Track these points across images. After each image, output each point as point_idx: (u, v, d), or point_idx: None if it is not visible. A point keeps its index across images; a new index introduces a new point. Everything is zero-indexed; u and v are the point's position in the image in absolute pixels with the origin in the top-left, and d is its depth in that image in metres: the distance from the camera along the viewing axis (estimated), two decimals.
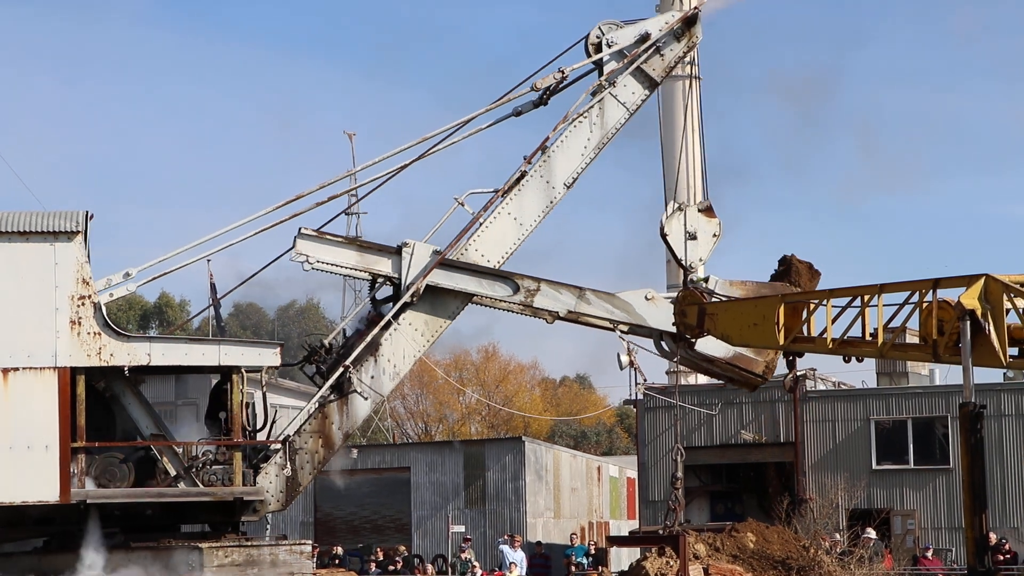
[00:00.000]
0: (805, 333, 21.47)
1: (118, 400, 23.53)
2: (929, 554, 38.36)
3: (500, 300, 24.23)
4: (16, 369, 22.50)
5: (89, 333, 22.93)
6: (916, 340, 20.26)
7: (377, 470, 45.65)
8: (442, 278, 24.09)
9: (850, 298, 21.14)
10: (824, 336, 21.10)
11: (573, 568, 39.01)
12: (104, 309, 23.13)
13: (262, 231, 24.46)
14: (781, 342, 21.55)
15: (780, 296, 22.05)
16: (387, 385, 24.41)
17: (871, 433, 42.73)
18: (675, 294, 24.16)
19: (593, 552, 41.82)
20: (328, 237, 24.13)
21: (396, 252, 24.13)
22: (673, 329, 23.93)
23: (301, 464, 24.11)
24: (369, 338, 24.16)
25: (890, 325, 20.66)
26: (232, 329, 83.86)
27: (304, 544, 25.13)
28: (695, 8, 25.06)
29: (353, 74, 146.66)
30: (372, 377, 24.19)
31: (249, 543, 23.95)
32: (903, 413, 42.68)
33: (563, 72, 24.56)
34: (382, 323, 24.20)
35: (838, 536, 34.04)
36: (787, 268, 24.67)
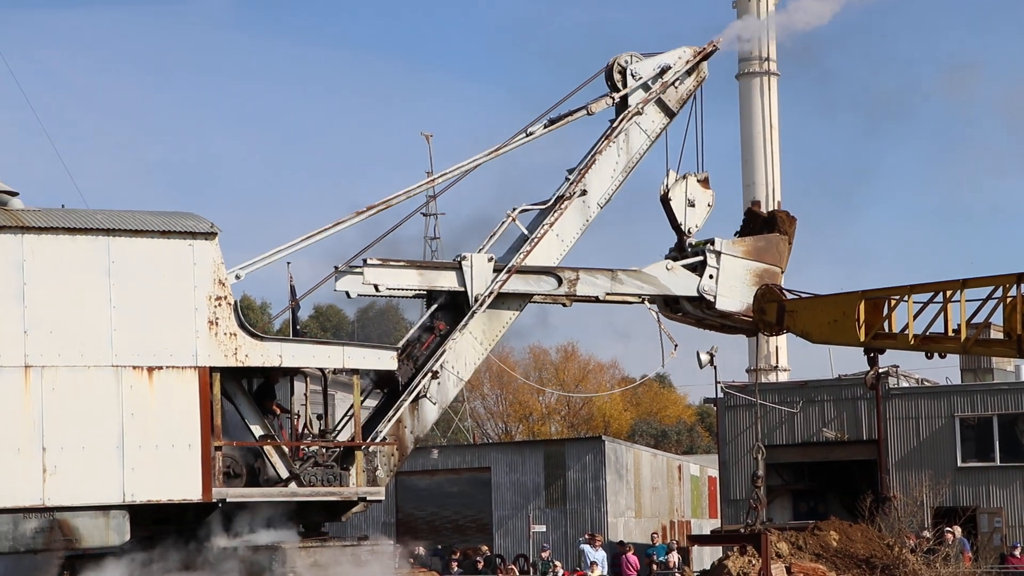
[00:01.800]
0: (886, 329, 21.28)
1: (231, 400, 23.73)
2: (1017, 552, 37.86)
3: (549, 295, 25.76)
4: (160, 368, 22.62)
5: (226, 334, 23.06)
6: (1000, 336, 20.01)
7: (458, 470, 45.76)
8: (508, 284, 25.41)
9: (932, 293, 20.95)
10: (906, 332, 20.90)
11: (655, 567, 38.88)
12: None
13: (340, 228, 25.02)
14: (862, 339, 21.39)
15: (861, 293, 21.87)
16: (451, 392, 25.56)
17: (956, 430, 42.26)
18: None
19: (675, 551, 41.66)
20: (391, 263, 24.95)
21: (456, 267, 25.35)
22: (694, 293, 26.04)
23: (379, 466, 24.61)
24: (448, 346, 25.09)
25: (973, 321, 20.43)
26: (312, 331, 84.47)
27: (386, 544, 25.25)
28: (713, 45, 27.02)
29: (431, 74, 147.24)
30: (439, 384, 25.09)
31: (332, 543, 24.07)
32: (988, 410, 42.17)
33: (614, 99, 26.46)
34: (460, 327, 25.13)
35: (927, 534, 33.68)
36: (772, 220, 26.57)
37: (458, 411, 79.82)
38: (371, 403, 26.13)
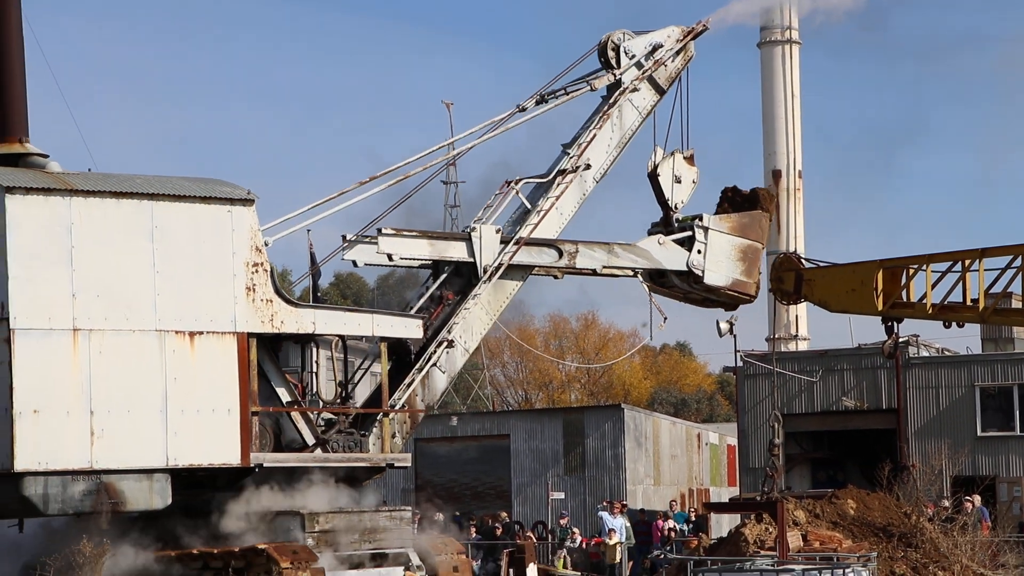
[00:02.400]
0: (904, 299, 21.26)
1: (259, 367, 23.84)
2: None
3: (551, 267, 26.31)
4: (201, 333, 22.70)
5: (263, 300, 23.18)
6: (1019, 305, 19.98)
7: (477, 437, 45.90)
8: (508, 256, 25.83)
9: (950, 263, 20.92)
10: (924, 301, 20.89)
11: (672, 535, 38.96)
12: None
13: (364, 197, 25.33)
14: (880, 308, 21.40)
15: (879, 262, 21.86)
16: (459, 361, 26.00)
17: (976, 399, 42.20)
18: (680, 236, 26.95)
19: (693, 519, 41.75)
20: (404, 233, 25.26)
21: (465, 238, 25.73)
22: (683, 267, 26.80)
23: (395, 432, 24.80)
24: (460, 315, 25.53)
25: (992, 290, 20.40)
26: (333, 298, 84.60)
27: (404, 510, 25.38)
28: (703, 25, 27.82)
29: (451, 42, 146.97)
30: (447, 353, 25.50)
31: (350, 510, 24.20)
32: (1009, 379, 42.10)
33: (616, 76, 27.08)
34: (471, 296, 25.57)
35: (945, 503, 33.67)
36: (754, 198, 27.25)
37: (478, 379, 79.98)
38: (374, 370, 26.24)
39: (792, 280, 22.46)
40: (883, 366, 42.54)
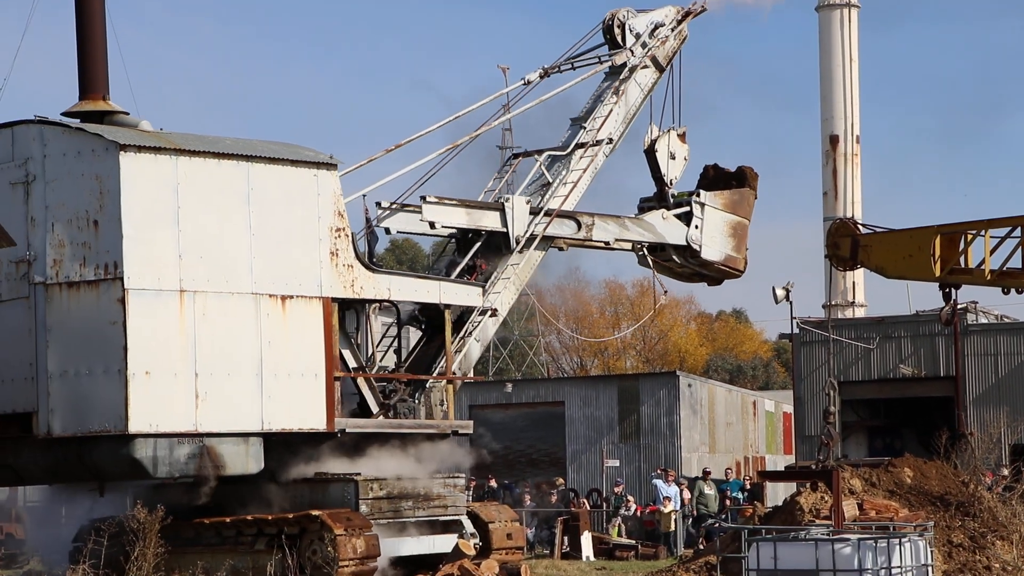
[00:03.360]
0: (962, 264, 20.99)
1: None
2: None
3: (571, 238, 26.78)
4: (291, 297, 22.75)
5: (344, 265, 23.28)
6: None
7: (531, 404, 45.83)
8: (541, 226, 26.20)
9: (1010, 228, 20.61)
10: (982, 267, 20.60)
11: (728, 503, 38.81)
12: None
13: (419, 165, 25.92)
14: (937, 274, 21.13)
15: (936, 227, 21.58)
16: (491, 329, 26.34)
17: None
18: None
19: (749, 487, 41.56)
20: (445, 201, 25.54)
21: (499, 208, 26.01)
22: (683, 242, 27.63)
23: (436, 402, 24.96)
24: (500, 285, 25.84)
25: None
26: (389, 263, 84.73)
27: (458, 477, 25.39)
28: (702, 6, 28.54)
29: (506, 7, 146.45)
30: (482, 322, 25.77)
31: (405, 476, 24.22)
32: None
33: (632, 52, 27.84)
34: (505, 265, 25.91)
35: (1004, 472, 33.31)
36: (742, 177, 28.00)
37: (533, 345, 79.95)
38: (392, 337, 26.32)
39: (848, 246, 22.21)
40: (941, 333, 42.11)
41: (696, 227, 27.80)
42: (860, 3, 69.10)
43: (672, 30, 28.46)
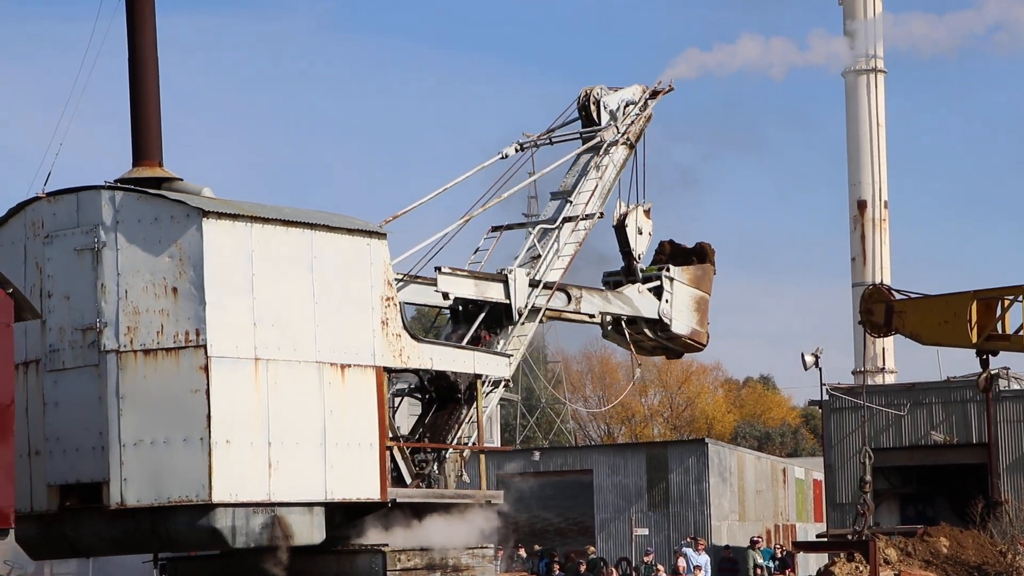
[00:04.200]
0: (1000, 331, 20.70)
1: None
2: None
3: (563, 311, 27.05)
4: (349, 366, 22.53)
5: (394, 334, 23.14)
6: None
7: (560, 472, 45.51)
8: (541, 299, 26.42)
9: None
10: (1020, 334, 20.31)
11: (757, 571, 38.34)
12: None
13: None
14: (974, 340, 20.87)
15: (973, 292, 21.32)
16: (495, 399, 26.32)
17: None
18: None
19: (780, 555, 41.07)
20: (458, 272, 25.59)
21: (503, 280, 26.03)
22: (656, 316, 27.88)
23: (451, 472, 25.03)
24: (516, 354, 25.90)
25: None
26: (416, 331, 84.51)
27: (486, 547, 25.09)
28: (669, 86, 29.23)
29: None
30: (488, 393, 25.77)
31: (431, 547, 23.94)
32: None
33: (619, 128, 28.35)
34: (517, 334, 26.02)
35: None
36: (701, 253, 28.61)
37: (560, 413, 79.61)
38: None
39: (882, 312, 21.96)
40: (973, 399, 41.68)
41: (667, 301, 28.19)
42: (887, 69, 69.11)
43: (641, 109, 28.99)
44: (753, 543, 39.39)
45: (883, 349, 65.43)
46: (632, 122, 28.78)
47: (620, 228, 27.91)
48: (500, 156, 27.66)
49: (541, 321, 27.08)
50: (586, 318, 27.57)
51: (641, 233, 28.30)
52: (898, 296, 23.04)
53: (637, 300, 28.06)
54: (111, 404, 21.01)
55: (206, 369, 20.88)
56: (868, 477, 23.52)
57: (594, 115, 28.62)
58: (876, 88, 68.61)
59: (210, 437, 20.72)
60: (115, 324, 21.14)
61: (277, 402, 21.52)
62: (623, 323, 28.04)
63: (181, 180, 22.49)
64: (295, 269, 22.00)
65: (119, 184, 22.11)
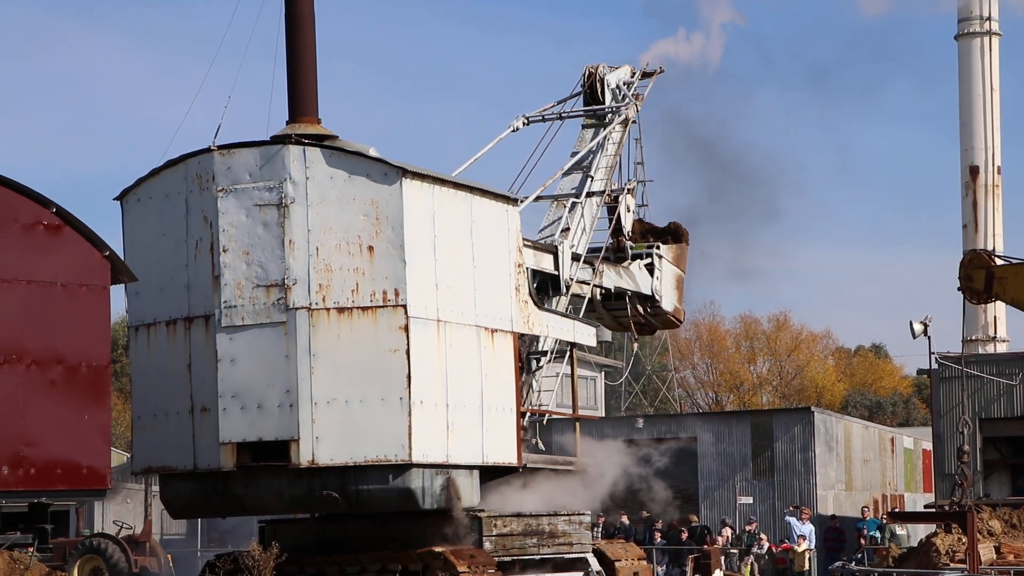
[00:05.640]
0: None
1: None
2: None
3: (588, 282, 26.92)
4: (496, 331, 22.65)
5: (524, 301, 23.28)
6: None
7: (663, 440, 45.34)
8: (585, 273, 26.54)
9: None
10: None
11: (863, 542, 37.95)
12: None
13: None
14: None
15: None
16: (558, 365, 26.50)
17: None
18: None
19: (887, 526, 40.60)
20: (525, 242, 25.31)
21: (553, 251, 25.88)
22: (649, 292, 28.02)
23: (529, 438, 25.15)
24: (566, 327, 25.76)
25: None
26: None
27: (583, 514, 25.07)
28: (659, 68, 29.52)
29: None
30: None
31: (528, 513, 23.99)
32: None
33: (638, 107, 28.59)
34: (566, 305, 25.99)
35: None
36: (677, 232, 28.90)
37: (666, 380, 79.33)
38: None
39: (982, 278, 21.59)
40: None
41: (657, 279, 28.34)
42: (1001, 31, 67.74)
43: (631, 88, 29.11)
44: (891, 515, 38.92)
45: (995, 318, 64.35)
46: (636, 99, 28.93)
47: (613, 207, 28.04)
48: (511, 129, 27.63)
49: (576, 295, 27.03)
50: (600, 292, 27.72)
51: (630, 211, 28.50)
52: (999, 262, 22.62)
53: (638, 276, 28.20)
54: (301, 362, 20.84)
55: (406, 329, 20.82)
56: (967, 447, 23.20)
57: (598, 93, 28.67)
58: (990, 51, 67.29)
59: (410, 397, 20.70)
60: (306, 282, 20.96)
61: (452, 365, 21.53)
62: (626, 299, 28.16)
63: (337, 137, 22.24)
64: (460, 232, 21.99)
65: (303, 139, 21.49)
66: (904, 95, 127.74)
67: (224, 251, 21.17)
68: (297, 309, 20.95)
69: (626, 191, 28.20)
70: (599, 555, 25.27)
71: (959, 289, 22.61)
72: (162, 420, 21.91)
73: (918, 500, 51.47)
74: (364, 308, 20.93)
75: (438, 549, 22.38)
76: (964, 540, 23.08)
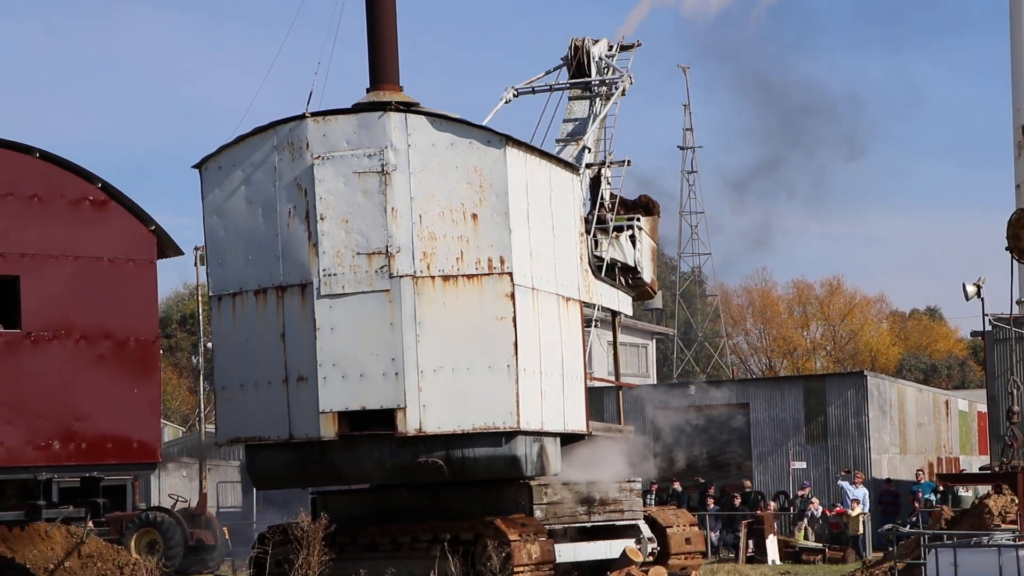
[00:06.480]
0: None
1: None
2: None
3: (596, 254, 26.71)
4: (569, 299, 22.76)
5: (584, 270, 23.40)
6: None
7: (715, 406, 45.25)
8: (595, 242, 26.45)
9: None
10: None
11: (917, 505, 37.81)
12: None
13: None
14: None
15: None
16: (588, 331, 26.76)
17: None
18: None
19: (941, 489, 40.45)
20: None
21: None
22: (632, 263, 27.42)
23: None
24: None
25: None
26: None
27: (635, 481, 25.10)
28: (637, 42, 28.81)
29: None
30: None
31: (577, 481, 24.03)
32: None
33: (631, 79, 27.80)
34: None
35: None
36: (648, 206, 28.56)
37: (718, 346, 79.13)
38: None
39: None
40: None
41: (638, 251, 28.04)
42: None
43: (612, 61, 28.63)
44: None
45: None
46: (619, 73, 28.41)
47: (596, 182, 27.63)
48: (504, 101, 27.14)
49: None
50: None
51: (609, 184, 28.16)
52: None
53: (626, 247, 28.08)
54: (407, 330, 20.81)
55: (512, 297, 20.88)
56: (1016, 408, 23.05)
57: (584, 65, 27.97)
58: None
59: (517, 365, 20.76)
60: (409, 249, 20.92)
61: (544, 333, 21.62)
62: (616, 270, 27.85)
63: (419, 104, 22.10)
64: (543, 201, 22.03)
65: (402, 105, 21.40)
66: (971, 49, 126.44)
67: (322, 219, 21.04)
68: (402, 277, 20.87)
69: (607, 164, 27.81)
70: (651, 522, 25.29)
71: (1007, 249, 22.39)
72: (251, 390, 21.71)
73: (974, 462, 51.15)
74: (469, 276, 20.92)
75: (489, 518, 22.45)
76: (1016, 501, 22.95)
